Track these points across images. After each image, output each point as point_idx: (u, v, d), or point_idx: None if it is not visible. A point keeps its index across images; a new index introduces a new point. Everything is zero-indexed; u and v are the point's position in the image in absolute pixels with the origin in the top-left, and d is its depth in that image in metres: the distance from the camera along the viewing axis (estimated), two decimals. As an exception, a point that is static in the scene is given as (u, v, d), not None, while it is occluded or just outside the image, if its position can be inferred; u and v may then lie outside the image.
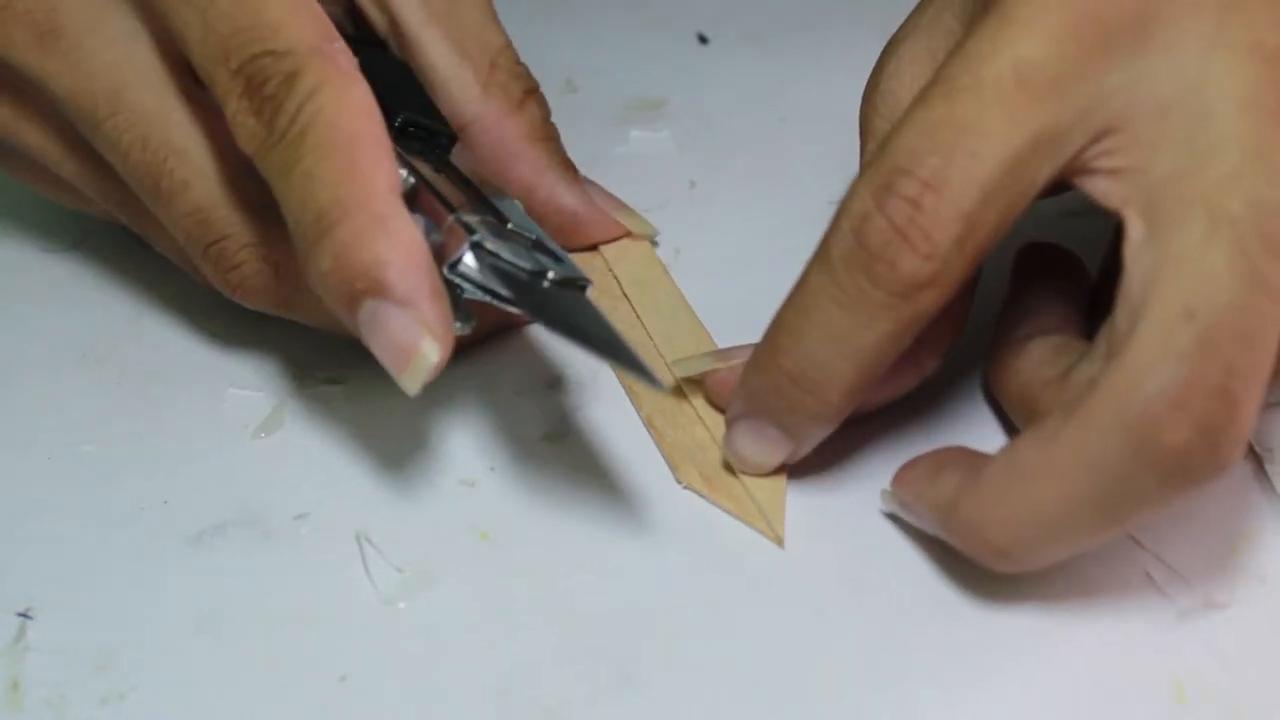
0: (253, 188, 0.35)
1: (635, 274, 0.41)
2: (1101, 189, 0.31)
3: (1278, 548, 0.34)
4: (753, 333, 0.34)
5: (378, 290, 0.31)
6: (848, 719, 0.31)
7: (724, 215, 0.44)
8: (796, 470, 0.36)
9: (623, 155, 0.45)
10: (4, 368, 0.39)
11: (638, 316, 0.40)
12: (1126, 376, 0.29)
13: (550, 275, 0.33)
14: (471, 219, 0.34)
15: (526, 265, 0.33)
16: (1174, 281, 0.29)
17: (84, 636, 0.33)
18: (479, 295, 0.33)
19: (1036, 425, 0.31)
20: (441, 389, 0.38)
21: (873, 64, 0.36)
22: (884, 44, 0.36)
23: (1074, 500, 0.30)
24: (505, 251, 0.33)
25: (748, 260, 0.42)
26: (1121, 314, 0.30)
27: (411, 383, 0.31)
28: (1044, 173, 0.30)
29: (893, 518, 0.34)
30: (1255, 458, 0.36)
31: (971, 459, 0.32)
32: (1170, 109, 0.30)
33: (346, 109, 0.32)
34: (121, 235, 0.43)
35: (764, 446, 0.34)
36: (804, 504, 0.35)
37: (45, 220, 0.43)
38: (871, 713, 0.31)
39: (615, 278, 0.41)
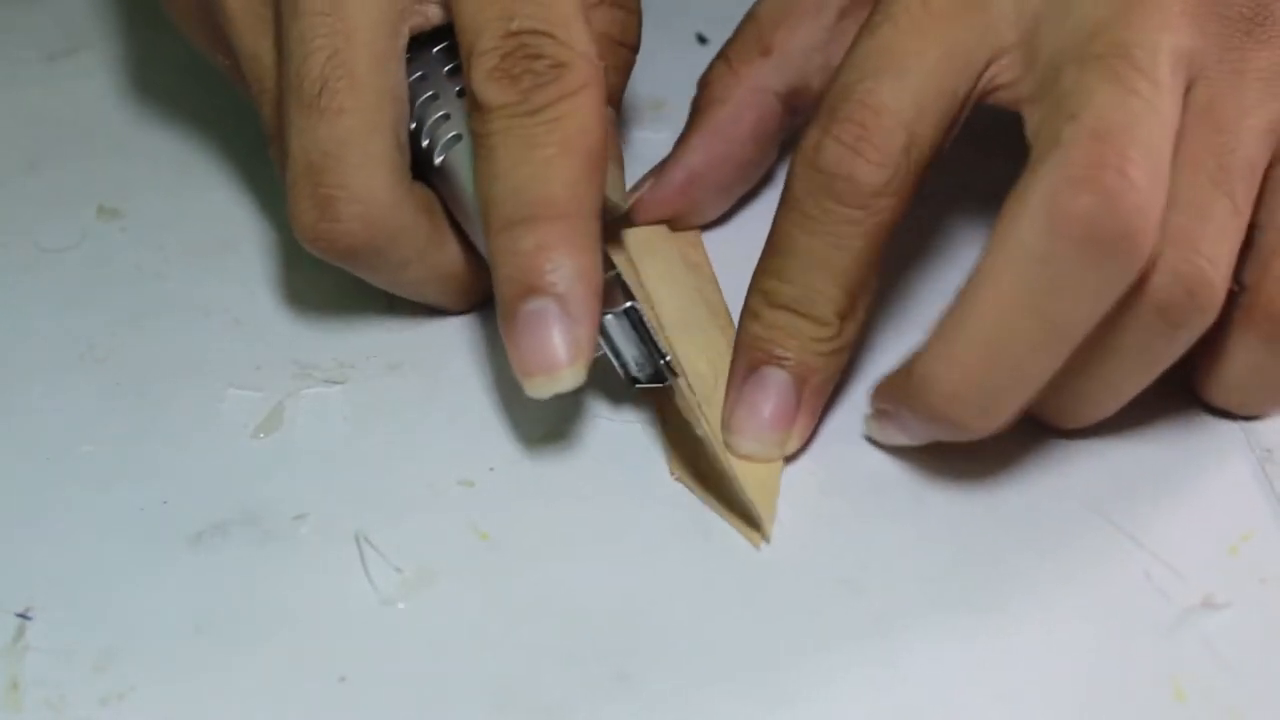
0: (397, 154, 0.36)
1: (657, 268, 0.41)
2: (1004, 99, 0.34)
3: (1278, 548, 0.34)
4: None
5: (561, 295, 0.33)
6: (844, 718, 0.31)
7: (723, 214, 0.44)
8: (794, 471, 0.36)
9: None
10: (4, 368, 0.39)
11: (654, 313, 0.40)
12: (1028, 177, 0.31)
13: (666, 359, 0.35)
14: (630, 284, 0.36)
15: (660, 349, 0.35)
16: (1056, 109, 0.32)
17: (84, 636, 0.33)
18: (600, 349, 0.35)
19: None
20: (441, 389, 0.38)
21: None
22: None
23: (1005, 307, 0.31)
24: (650, 329, 0.35)
25: (747, 259, 0.42)
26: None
27: (539, 390, 0.33)
28: (960, 85, 0.34)
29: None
30: (1255, 458, 0.36)
31: None
32: (1042, 17, 0.33)
33: (600, 121, 0.34)
34: (121, 233, 0.43)
35: (774, 398, 0.35)
36: (801, 504, 0.35)
37: (45, 220, 0.43)
38: (869, 712, 0.31)
39: (635, 270, 0.41)
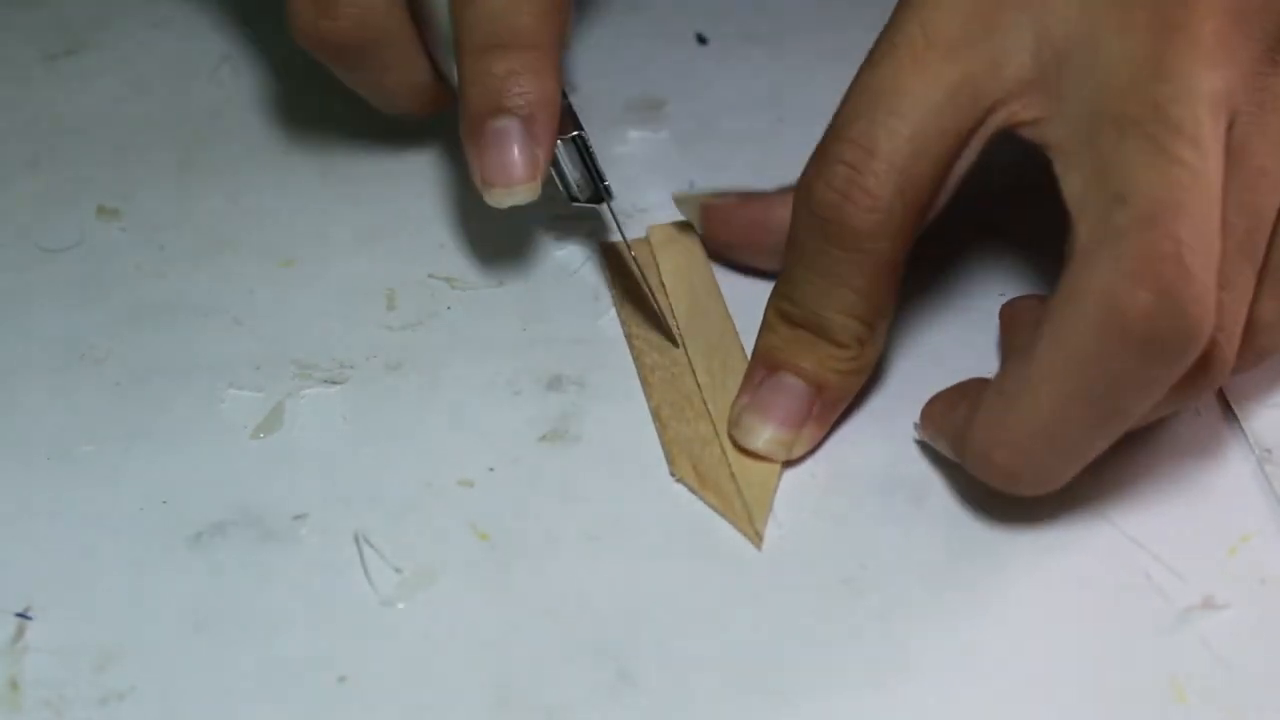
0: None
1: (676, 263, 0.41)
2: (1027, 135, 0.33)
3: (1278, 548, 0.34)
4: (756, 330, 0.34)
5: (526, 118, 0.37)
6: (845, 718, 0.31)
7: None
8: (795, 471, 0.36)
9: (623, 155, 0.45)
10: (4, 368, 0.39)
11: (670, 306, 0.40)
12: (1080, 269, 0.30)
13: (605, 183, 0.39)
14: (576, 116, 0.40)
15: (600, 174, 0.39)
16: (1099, 183, 0.31)
17: (83, 636, 0.33)
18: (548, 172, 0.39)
19: (1018, 348, 0.32)
20: (441, 389, 0.38)
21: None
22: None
23: (1063, 401, 0.31)
24: (595, 158, 0.39)
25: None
26: (1069, 241, 0.31)
27: (498, 200, 0.37)
28: (965, 121, 0.33)
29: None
30: (1255, 458, 0.36)
31: (981, 388, 0.33)
32: (1066, 53, 0.32)
33: None
34: (121, 233, 0.43)
35: (786, 402, 0.35)
36: (802, 504, 0.35)
37: (45, 220, 0.43)
38: (869, 712, 0.31)
39: (656, 265, 0.41)
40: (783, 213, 0.38)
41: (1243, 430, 0.36)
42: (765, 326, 0.36)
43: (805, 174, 0.34)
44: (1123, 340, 0.30)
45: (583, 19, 0.51)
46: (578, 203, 0.40)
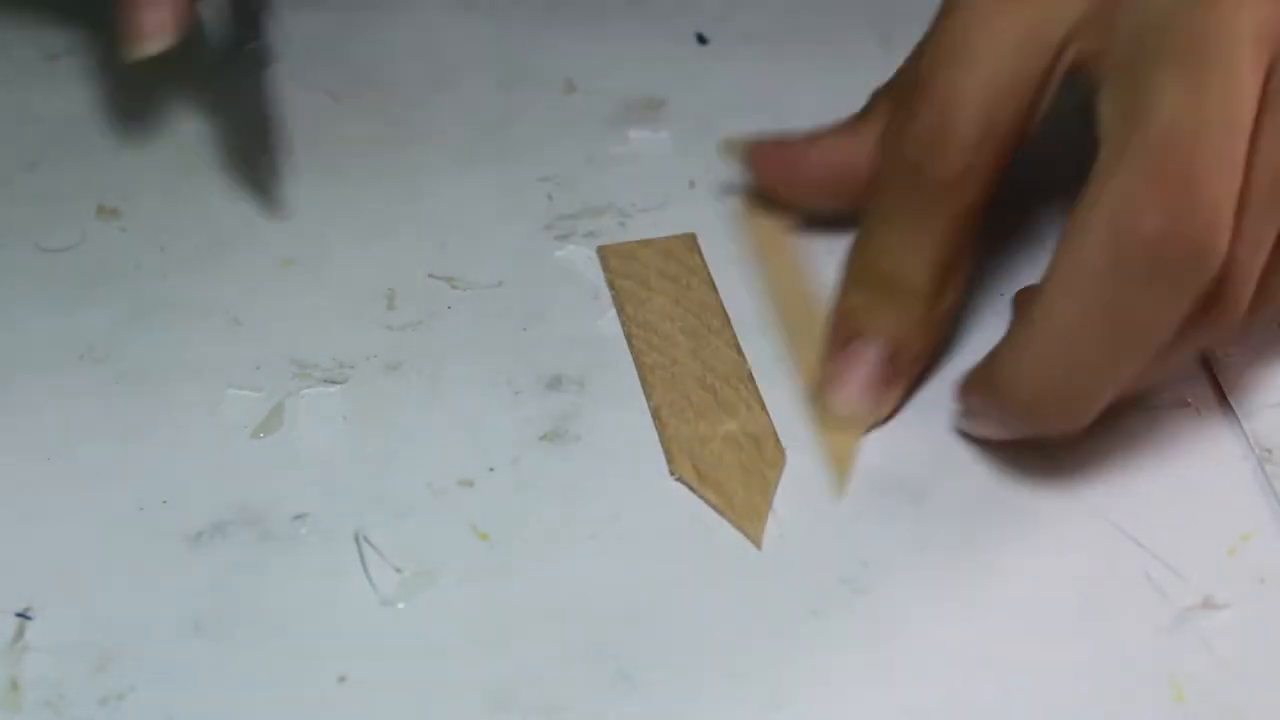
0: None
1: (759, 237, 0.42)
2: (1091, 73, 0.34)
3: (1278, 548, 0.34)
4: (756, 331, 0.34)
5: None
6: (845, 718, 0.31)
7: (723, 216, 0.44)
8: (795, 471, 0.36)
9: (622, 155, 0.45)
10: (4, 368, 0.39)
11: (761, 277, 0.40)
12: (1096, 187, 0.31)
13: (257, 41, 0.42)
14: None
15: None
16: (1129, 108, 0.31)
17: (83, 636, 0.33)
18: None
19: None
20: (441, 389, 0.38)
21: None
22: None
23: (1080, 323, 0.31)
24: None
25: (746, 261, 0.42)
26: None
27: (129, 53, 0.40)
28: (1040, 64, 0.34)
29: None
30: (1255, 458, 0.36)
31: None
32: None
33: None
34: (121, 233, 0.43)
35: (863, 369, 0.36)
36: (801, 504, 0.35)
37: (45, 220, 0.43)
38: (868, 712, 0.31)
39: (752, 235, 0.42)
40: (815, 155, 0.40)
41: (1243, 430, 0.36)
42: (843, 289, 0.36)
43: (894, 122, 0.35)
44: (1133, 257, 0.30)
45: (583, 19, 0.51)
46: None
